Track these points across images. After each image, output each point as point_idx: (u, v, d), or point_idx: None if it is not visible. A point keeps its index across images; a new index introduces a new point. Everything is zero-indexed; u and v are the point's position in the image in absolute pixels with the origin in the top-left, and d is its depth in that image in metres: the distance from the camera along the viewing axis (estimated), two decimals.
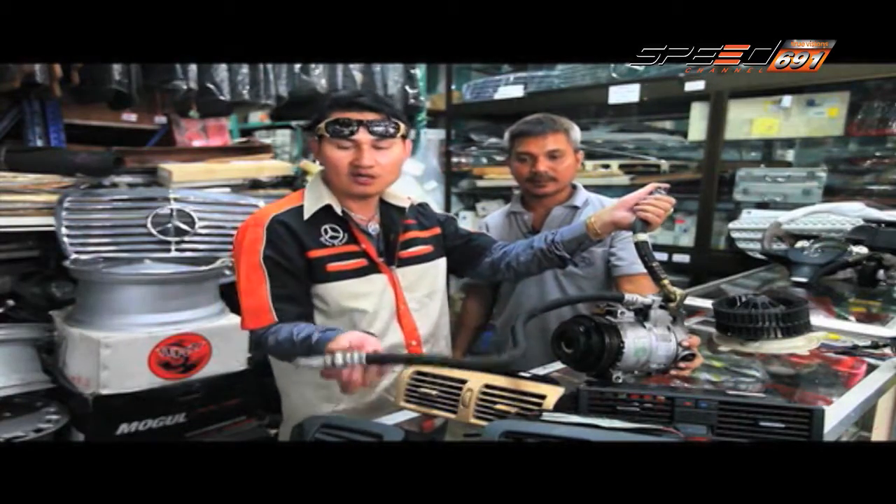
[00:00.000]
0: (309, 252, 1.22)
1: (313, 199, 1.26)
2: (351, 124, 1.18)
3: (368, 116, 1.19)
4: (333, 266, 1.24)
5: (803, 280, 1.72)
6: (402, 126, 1.24)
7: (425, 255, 1.36)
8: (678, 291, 1.01)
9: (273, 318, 1.17)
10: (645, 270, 1.08)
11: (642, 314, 0.98)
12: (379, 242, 1.30)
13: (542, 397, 0.84)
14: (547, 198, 1.70)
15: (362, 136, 1.19)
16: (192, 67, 2.22)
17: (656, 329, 0.98)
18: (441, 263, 1.41)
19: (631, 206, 1.20)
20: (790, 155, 2.82)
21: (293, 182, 2.50)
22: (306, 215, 1.24)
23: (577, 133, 1.68)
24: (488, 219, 1.87)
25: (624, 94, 2.68)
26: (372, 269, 1.27)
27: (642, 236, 1.12)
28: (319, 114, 1.23)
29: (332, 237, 1.25)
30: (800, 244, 1.95)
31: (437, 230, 1.41)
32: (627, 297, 0.97)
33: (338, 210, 1.25)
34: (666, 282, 1.03)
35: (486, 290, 1.92)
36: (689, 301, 1.59)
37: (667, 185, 1.22)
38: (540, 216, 1.74)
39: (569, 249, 1.32)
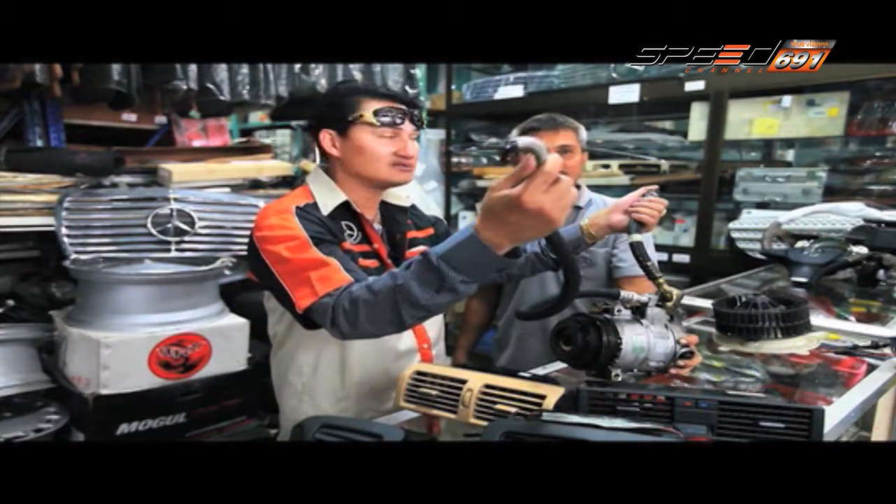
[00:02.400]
0: (342, 244, 1.16)
1: (327, 196, 1.21)
2: (400, 114, 1.18)
3: (408, 108, 1.21)
4: (361, 262, 1.18)
5: (803, 280, 1.73)
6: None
7: None
8: (675, 291, 1.02)
9: (348, 278, 1.01)
10: None
11: (639, 312, 0.99)
12: (385, 243, 1.28)
13: (542, 397, 0.84)
14: None
15: (407, 126, 1.19)
16: (192, 67, 2.21)
17: (654, 327, 0.98)
18: None
19: (625, 209, 1.25)
20: (790, 155, 2.82)
21: (293, 182, 2.50)
22: (325, 211, 1.18)
23: (584, 133, 1.71)
24: None
25: (624, 94, 2.68)
26: (383, 270, 1.20)
27: (637, 237, 1.15)
28: (343, 104, 1.19)
29: (349, 235, 1.21)
30: (800, 244, 1.95)
31: (431, 230, 1.40)
32: (624, 294, 0.98)
33: (356, 207, 1.22)
34: (661, 281, 1.05)
35: (490, 290, 1.92)
36: (689, 301, 1.59)
37: (656, 187, 1.26)
38: None
39: None
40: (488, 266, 0.81)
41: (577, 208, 1.70)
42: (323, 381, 1.25)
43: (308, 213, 1.15)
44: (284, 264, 1.06)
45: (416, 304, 0.87)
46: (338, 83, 1.28)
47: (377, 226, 1.29)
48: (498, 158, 0.78)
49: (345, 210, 1.22)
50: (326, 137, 1.21)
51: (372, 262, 1.22)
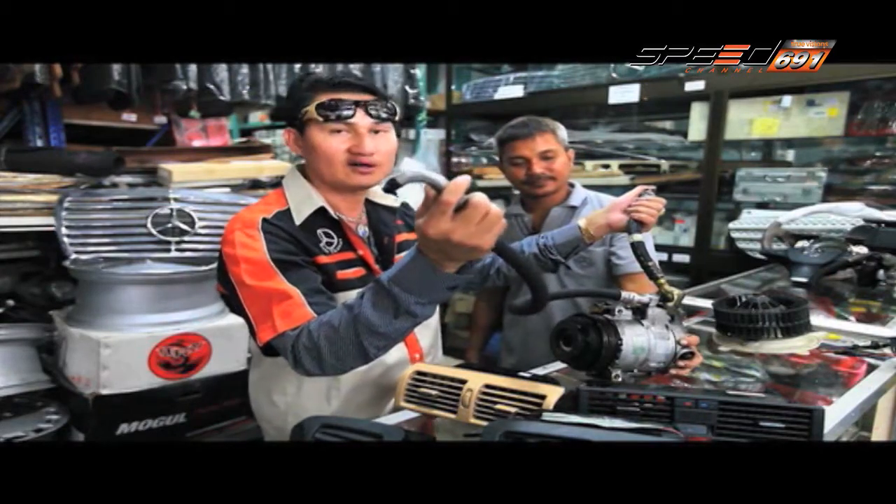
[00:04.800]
0: (316, 258, 1.07)
1: (301, 202, 1.10)
2: (347, 105, 1.04)
3: (364, 97, 1.07)
4: (341, 274, 1.10)
5: (803, 280, 1.72)
6: (398, 109, 1.13)
7: None
8: (675, 291, 1.02)
9: (310, 314, 0.95)
10: None
11: (640, 312, 0.99)
12: (371, 247, 1.18)
13: (542, 397, 0.84)
14: (546, 198, 1.70)
15: (360, 118, 1.05)
16: (192, 67, 2.22)
17: (654, 327, 0.98)
18: None
19: (624, 209, 1.24)
20: (790, 155, 2.82)
21: None
22: (298, 220, 1.08)
23: (563, 132, 1.68)
24: None
25: (624, 94, 2.68)
26: (370, 277, 1.11)
27: (637, 236, 1.15)
28: (298, 98, 1.08)
29: (327, 243, 1.10)
30: (800, 244, 1.95)
31: None
32: (624, 295, 0.98)
33: (332, 213, 1.12)
34: (662, 281, 1.04)
35: (495, 291, 1.93)
36: (689, 301, 1.59)
37: (654, 187, 1.26)
38: (539, 217, 1.74)
39: (562, 253, 1.31)
40: (438, 284, 0.80)
41: (573, 208, 1.70)
42: (309, 400, 1.16)
43: (276, 226, 1.05)
44: (247, 290, 1.00)
45: (377, 333, 0.85)
46: (299, 76, 1.15)
47: (362, 229, 1.18)
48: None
49: (322, 216, 1.11)
50: (289, 136, 1.12)
51: (357, 271, 1.13)
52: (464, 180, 0.73)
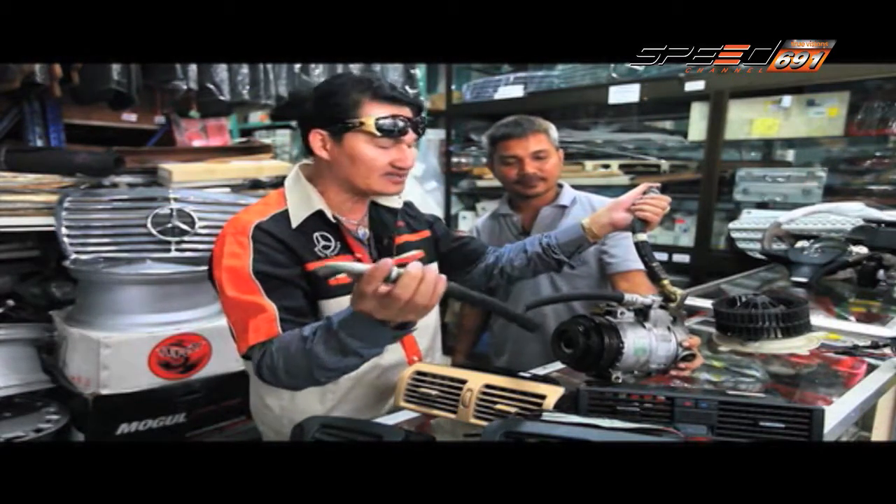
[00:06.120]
0: (307, 264, 1.07)
1: (300, 204, 1.11)
2: (404, 121, 1.07)
3: (411, 114, 1.10)
4: (334, 280, 1.08)
5: (803, 280, 1.72)
6: None
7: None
8: (678, 291, 1.02)
9: (277, 330, 0.98)
10: (638, 267, 1.10)
11: (642, 314, 0.98)
12: (371, 249, 1.18)
13: (542, 397, 0.84)
14: (536, 198, 1.69)
15: (409, 136, 1.09)
16: (192, 67, 2.22)
17: (656, 329, 0.98)
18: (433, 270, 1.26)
19: (627, 207, 1.21)
20: (790, 155, 2.82)
21: None
22: (294, 223, 1.09)
23: (555, 132, 1.68)
24: (478, 222, 1.87)
25: (624, 94, 2.68)
26: None
27: (642, 236, 1.14)
28: (340, 104, 1.06)
29: (324, 247, 1.11)
30: (800, 244, 1.95)
31: (427, 233, 1.30)
32: (627, 296, 0.97)
33: (329, 216, 1.12)
34: (666, 282, 1.03)
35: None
36: (689, 301, 1.59)
37: (658, 185, 1.23)
38: (529, 217, 1.74)
39: (566, 253, 1.31)
40: (382, 336, 0.87)
41: (562, 207, 1.69)
42: (303, 402, 1.14)
43: (269, 232, 1.05)
44: (227, 300, 1.04)
45: (325, 368, 0.91)
46: (334, 76, 1.16)
47: (363, 231, 1.19)
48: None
49: (319, 219, 1.12)
50: (317, 138, 1.09)
51: None
52: (381, 269, 0.77)
